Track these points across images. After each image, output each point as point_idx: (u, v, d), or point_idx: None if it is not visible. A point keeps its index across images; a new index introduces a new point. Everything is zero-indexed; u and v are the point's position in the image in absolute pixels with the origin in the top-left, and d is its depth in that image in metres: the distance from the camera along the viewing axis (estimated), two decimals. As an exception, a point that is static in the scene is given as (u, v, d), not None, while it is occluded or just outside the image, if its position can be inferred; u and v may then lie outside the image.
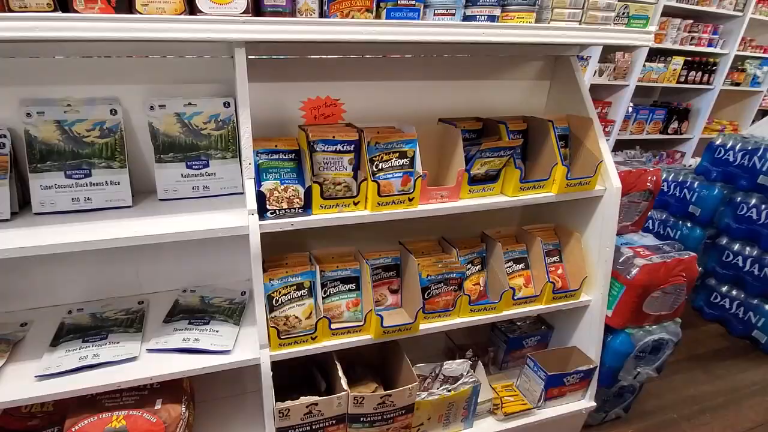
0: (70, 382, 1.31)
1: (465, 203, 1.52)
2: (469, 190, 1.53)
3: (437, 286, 1.60)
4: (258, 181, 1.39)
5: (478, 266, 1.76)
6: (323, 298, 1.60)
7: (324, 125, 1.53)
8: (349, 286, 1.62)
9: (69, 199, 1.45)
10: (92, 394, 1.39)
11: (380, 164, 1.43)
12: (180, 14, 1.13)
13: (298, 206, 1.38)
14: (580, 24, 1.43)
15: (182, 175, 1.55)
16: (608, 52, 4.49)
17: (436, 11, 1.28)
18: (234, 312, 1.65)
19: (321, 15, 1.22)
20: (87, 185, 1.46)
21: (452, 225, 1.75)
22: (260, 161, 1.40)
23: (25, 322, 1.57)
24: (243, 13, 1.15)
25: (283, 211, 1.37)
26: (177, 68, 1.52)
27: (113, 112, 1.48)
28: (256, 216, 1.32)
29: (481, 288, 1.74)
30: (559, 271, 1.81)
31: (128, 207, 1.50)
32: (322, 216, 1.39)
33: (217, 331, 1.53)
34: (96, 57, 1.46)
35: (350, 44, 1.56)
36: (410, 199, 1.45)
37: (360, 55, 1.64)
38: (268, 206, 1.36)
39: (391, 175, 1.44)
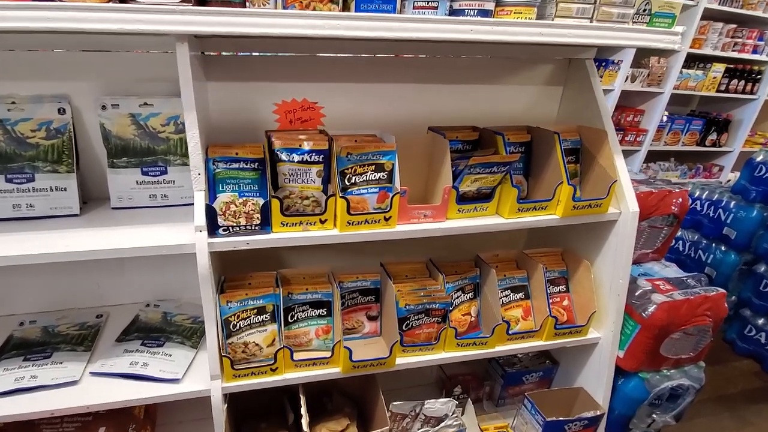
0: (-1, 406, 1.19)
1: (452, 225, 1.34)
2: (458, 210, 1.35)
3: (417, 317, 1.42)
4: (213, 193, 1.23)
5: (470, 294, 1.57)
6: (290, 323, 1.44)
7: (291, 131, 1.37)
8: (320, 311, 1.46)
9: (9, 206, 1.33)
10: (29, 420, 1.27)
11: (353, 178, 1.26)
12: (109, 2, 0.97)
13: (257, 223, 1.22)
14: (591, 21, 1.23)
15: (137, 182, 1.41)
16: (642, 56, 4.22)
17: (415, 3, 1.10)
18: (194, 333, 1.51)
19: (277, 6, 1.06)
20: (30, 191, 1.34)
21: (445, 245, 1.57)
22: (216, 170, 1.25)
23: None
24: (182, 1, 0.99)
25: (238, 228, 1.21)
26: (132, 64, 1.38)
27: (61, 111, 1.35)
28: (205, 233, 1.17)
29: (473, 319, 1.55)
30: (565, 303, 1.61)
31: (75, 216, 1.36)
32: (282, 235, 1.24)
33: (170, 356, 1.40)
34: (43, 51, 1.33)
35: (317, 41, 1.40)
36: (387, 219, 1.28)
37: (334, 53, 1.47)
38: (221, 222, 1.20)
39: (365, 191, 1.27)
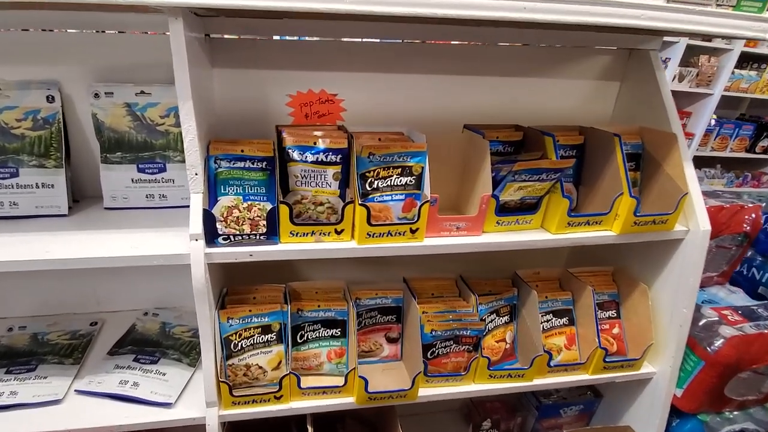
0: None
1: (489, 239, 1.16)
2: (497, 222, 1.16)
3: (445, 344, 1.24)
4: (213, 196, 1.07)
5: (506, 317, 1.38)
6: (299, 343, 1.28)
7: (305, 127, 1.20)
8: (333, 331, 1.29)
9: (-10, 203, 1.19)
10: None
11: (376, 182, 1.09)
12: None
13: (262, 232, 1.06)
14: (667, 2, 1.02)
15: (132, 180, 1.26)
16: (691, 54, 3.95)
17: (455, -26, 0.91)
18: (193, 349, 1.37)
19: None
20: (13, 187, 1.20)
21: (477, 258, 1.37)
22: (218, 170, 1.09)
23: None
24: (175, -35, 0.82)
25: (241, 237, 1.05)
26: (128, 47, 1.23)
27: (50, 99, 1.21)
28: (202, 242, 1.01)
29: (508, 345, 1.36)
30: (615, 331, 1.41)
31: (63, 216, 1.22)
32: (291, 246, 1.07)
33: (164, 375, 1.26)
34: (32, 31, 1.19)
35: (336, 22, 1.23)
36: (413, 231, 1.10)
37: (355, 38, 1.30)
38: (222, 229, 1.04)
39: (389, 198, 1.09)
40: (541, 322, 1.33)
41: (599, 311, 1.38)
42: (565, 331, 1.37)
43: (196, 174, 0.99)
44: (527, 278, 1.41)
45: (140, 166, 1.25)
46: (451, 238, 1.14)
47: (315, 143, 1.09)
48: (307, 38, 1.29)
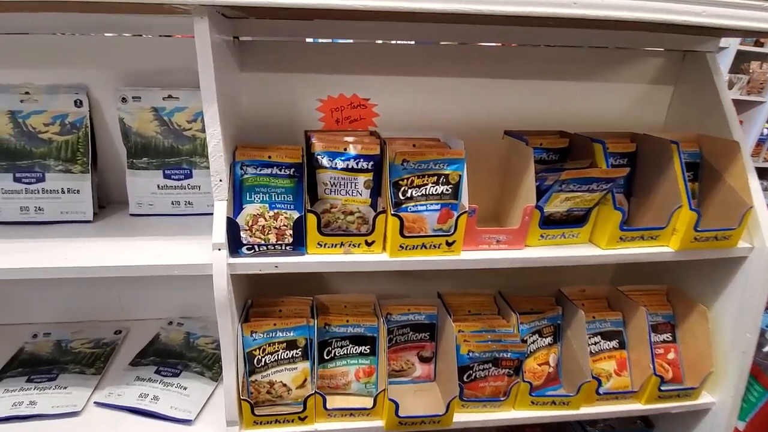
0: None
1: (532, 254, 1.07)
2: (541, 236, 1.08)
3: (482, 367, 1.16)
4: (238, 204, 1.03)
5: (549, 338, 1.29)
6: (326, 360, 1.21)
7: (335, 132, 1.14)
8: (362, 348, 1.22)
9: (16, 208, 1.17)
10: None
11: (409, 191, 1.02)
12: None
13: (288, 242, 1.00)
14: (728, -3, 0.93)
15: (159, 186, 1.23)
16: (742, 60, 3.76)
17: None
18: (216, 362, 1.33)
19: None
20: (39, 192, 1.18)
21: (517, 272, 1.29)
22: (244, 176, 1.04)
23: None
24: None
25: (266, 247, 0.99)
26: (156, 51, 1.21)
27: (78, 103, 1.19)
28: (225, 252, 0.96)
29: (551, 369, 1.26)
30: (670, 356, 1.29)
31: (87, 222, 1.19)
32: (318, 258, 1.01)
33: (185, 389, 1.22)
34: (62, 34, 1.17)
35: (366, 22, 1.17)
36: (449, 244, 1.02)
37: (388, 40, 1.24)
38: (246, 238, 0.99)
39: (424, 208, 1.02)
40: (589, 345, 1.23)
41: (654, 334, 1.27)
42: (614, 356, 1.27)
43: (221, 180, 0.94)
44: (572, 296, 1.31)
45: (166, 172, 1.22)
46: (491, 252, 1.07)
47: (345, 149, 1.03)
48: (338, 41, 1.24)
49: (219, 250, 0.94)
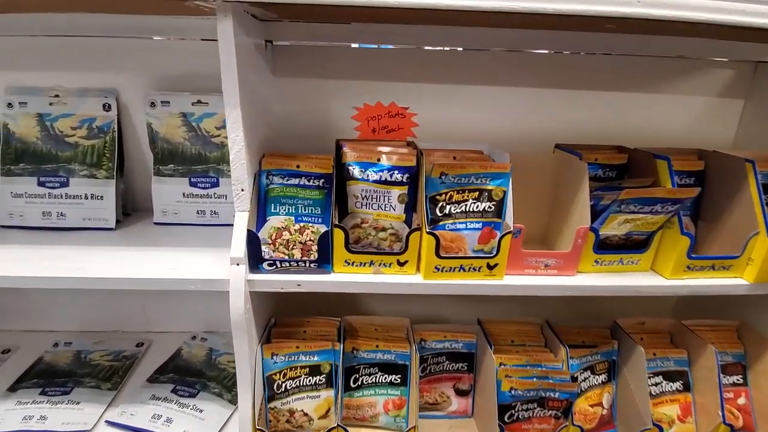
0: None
1: (585, 282, 0.96)
2: (596, 261, 0.97)
3: (527, 407, 1.05)
4: (262, 216, 0.96)
5: (603, 375, 1.16)
6: (353, 388, 1.13)
7: (369, 141, 1.06)
8: (392, 377, 1.13)
9: (39, 213, 1.15)
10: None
11: (448, 207, 0.93)
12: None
13: (313, 258, 0.92)
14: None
15: (184, 195, 1.18)
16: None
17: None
18: (236, 383, 1.23)
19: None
20: (62, 197, 1.15)
21: (567, 300, 1.17)
22: (270, 186, 0.97)
23: (8, 349, 1.37)
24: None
25: (289, 264, 0.92)
26: (186, 54, 1.16)
27: (106, 107, 1.16)
28: (244, 267, 0.89)
29: (605, 411, 1.14)
30: (741, 401, 1.15)
31: (109, 230, 1.15)
32: (345, 277, 0.93)
33: (201, 411, 1.15)
34: (93, 36, 1.15)
35: (407, 25, 1.11)
36: (491, 267, 0.93)
37: (429, 46, 1.17)
38: (268, 253, 0.92)
39: (463, 226, 0.93)
40: (649, 386, 1.09)
41: (724, 376, 1.12)
42: (678, 399, 1.13)
43: (242, 190, 0.88)
44: (630, 329, 1.19)
45: (192, 179, 1.17)
46: (538, 278, 0.96)
47: (379, 160, 0.95)
48: (376, 46, 1.18)
49: (237, 265, 0.87)
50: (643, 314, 1.24)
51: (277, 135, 1.20)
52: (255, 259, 0.89)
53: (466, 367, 1.20)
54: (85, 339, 1.39)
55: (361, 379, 1.13)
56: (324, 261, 0.91)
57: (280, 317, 1.16)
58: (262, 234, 0.94)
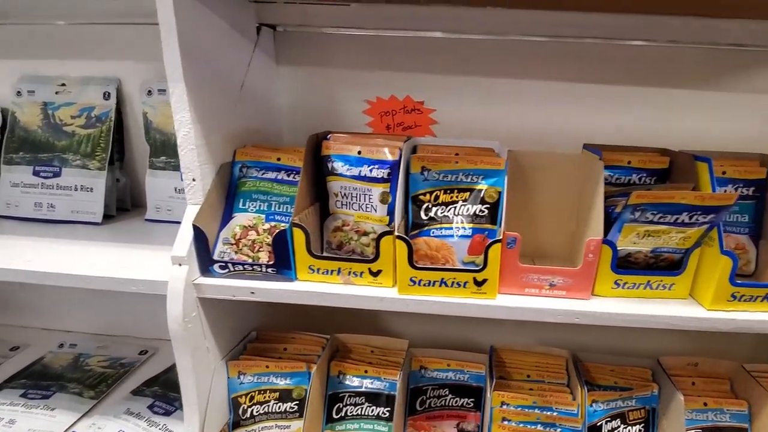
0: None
1: (601, 308, 0.82)
2: (615, 282, 0.83)
3: (526, 456, 0.91)
4: (229, 211, 0.91)
5: (638, 425, 1.00)
6: (336, 419, 1.04)
7: (360, 134, 0.96)
8: (381, 409, 1.03)
9: (31, 204, 1.18)
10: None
11: (434, 209, 0.84)
12: None
13: (269, 263, 0.85)
14: None
15: (176, 190, 1.17)
16: None
17: None
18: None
19: None
20: (54, 188, 1.18)
21: (604, 328, 1.02)
22: (242, 179, 0.93)
23: (17, 346, 1.40)
24: None
25: (243, 267, 0.85)
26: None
27: (106, 96, 1.18)
28: (185, 268, 0.83)
29: (635, 471, 0.97)
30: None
31: (95, 224, 1.16)
32: (308, 287, 0.85)
33: (171, 432, 1.09)
34: (98, 24, 1.17)
35: (417, 6, 1.03)
36: (479, 283, 0.81)
37: (448, 33, 1.08)
38: (225, 253, 0.87)
39: (450, 232, 0.83)
40: (692, 444, 0.93)
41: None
42: (732, 461, 0.95)
43: (194, 180, 0.83)
44: (677, 370, 1.02)
45: (185, 173, 1.15)
46: (541, 299, 0.83)
47: (359, 153, 0.87)
48: (385, 33, 1.10)
49: (180, 265, 0.82)
50: (700, 352, 1.06)
51: (279, 130, 1.17)
52: (204, 261, 0.84)
53: (472, 404, 1.08)
54: (91, 342, 1.41)
55: (345, 409, 1.04)
56: (284, 266, 0.84)
57: (263, 331, 1.10)
58: (225, 233, 0.89)
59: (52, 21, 1.18)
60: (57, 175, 1.17)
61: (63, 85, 1.19)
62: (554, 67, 1.09)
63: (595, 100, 1.10)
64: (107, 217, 1.18)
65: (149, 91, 1.15)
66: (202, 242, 0.82)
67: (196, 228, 0.81)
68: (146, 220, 1.19)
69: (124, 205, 1.26)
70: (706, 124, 1.09)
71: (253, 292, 0.84)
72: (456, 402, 1.09)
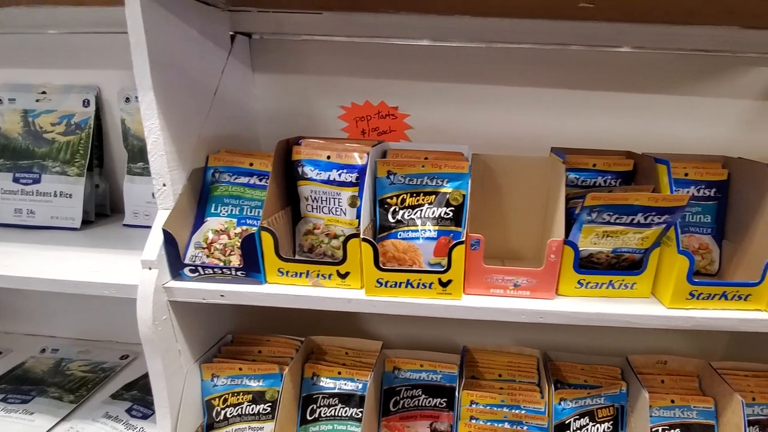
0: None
1: (565, 307, 0.84)
2: (579, 282, 0.85)
3: (494, 454, 0.93)
4: (201, 216, 0.93)
5: (607, 423, 1.01)
6: (309, 421, 1.06)
7: (330, 139, 0.98)
8: (354, 410, 1.05)
9: (11, 210, 1.19)
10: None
11: (401, 212, 0.86)
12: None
13: (238, 266, 0.87)
14: None
15: (154, 195, 1.16)
16: None
17: None
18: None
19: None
20: (33, 194, 1.19)
21: (580, 327, 1.04)
22: (214, 184, 0.95)
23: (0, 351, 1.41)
24: None
25: (212, 270, 0.87)
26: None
27: (86, 103, 1.20)
28: (155, 272, 0.85)
29: (605, 469, 0.99)
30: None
31: (73, 230, 1.18)
32: (277, 289, 0.87)
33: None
34: (79, 33, 1.20)
35: (391, 15, 1.05)
36: (444, 284, 0.83)
37: (414, 40, 1.11)
38: (192, 259, 0.88)
39: (417, 235, 0.85)
40: (657, 442, 0.94)
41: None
42: (698, 462, 0.96)
43: (164, 185, 0.85)
44: (646, 368, 1.04)
45: (161, 180, 1.17)
46: (506, 299, 0.85)
47: (328, 157, 0.90)
48: (359, 39, 1.13)
49: (150, 269, 0.84)
50: (683, 349, 1.08)
51: (255, 136, 1.19)
52: (175, 264, 0.86)
53: (445, 404, 1.10)
54: (73, 347, 1.42)
55: (319, 410, 1.05)
56: (252, 269, 0.86)
57: (239, 333, 1.12)
58: (197, 237, 0.91)
59: (34, 30, 1.20)
60: (37, 181, 1.18)
61: (44, 93, 1.21)
62: (526, 73, 1.11)
63: (566, 105, 1.12)
64: (86, 223, 1.20)
65: (127, 99, 1.17)
66: (172, 246, 0.84)
67: (165, 232, 0.83)
68: (124, 225, 1.21)
69: (104, 210, 1.28)
70: (674, 128, 1.11)
71: (222, 295, 0.86)
72: (429, 402, 1.10)
